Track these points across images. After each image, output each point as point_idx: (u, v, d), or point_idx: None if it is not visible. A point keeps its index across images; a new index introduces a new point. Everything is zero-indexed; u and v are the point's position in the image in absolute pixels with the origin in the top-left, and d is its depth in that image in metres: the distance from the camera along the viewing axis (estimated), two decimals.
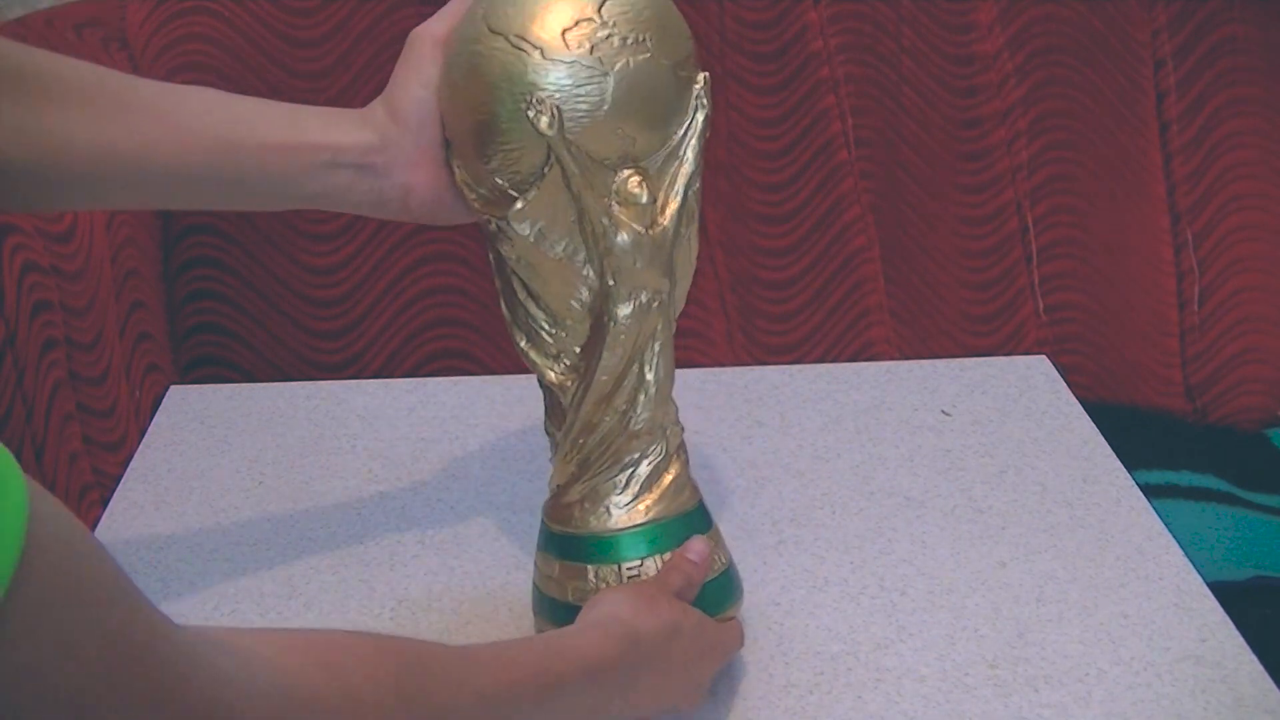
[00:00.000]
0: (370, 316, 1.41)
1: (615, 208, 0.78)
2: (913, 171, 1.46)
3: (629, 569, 0.82)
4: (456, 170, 0.81)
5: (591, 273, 0.79)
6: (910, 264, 1.48)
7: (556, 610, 0.83)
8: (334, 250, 1.38)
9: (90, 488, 1.07)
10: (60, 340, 1.07)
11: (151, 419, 1.14)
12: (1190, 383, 1.51)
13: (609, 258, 0.78)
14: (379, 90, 0.83)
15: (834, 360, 1.47)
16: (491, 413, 1.14)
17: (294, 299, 1.39)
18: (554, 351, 0.82)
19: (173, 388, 1.19)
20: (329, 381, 1.25)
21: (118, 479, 1.06)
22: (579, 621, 0.77)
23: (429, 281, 1.41)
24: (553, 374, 0.82)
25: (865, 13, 1.43)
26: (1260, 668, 0.86)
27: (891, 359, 1.45)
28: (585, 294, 0.80)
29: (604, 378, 0.81)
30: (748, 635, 0.88)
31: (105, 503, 1.03)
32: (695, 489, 0.86)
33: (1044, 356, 1.23)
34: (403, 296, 1.41)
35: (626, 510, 0.83)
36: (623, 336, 0.80)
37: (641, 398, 0.81)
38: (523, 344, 0.83)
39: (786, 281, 1.46)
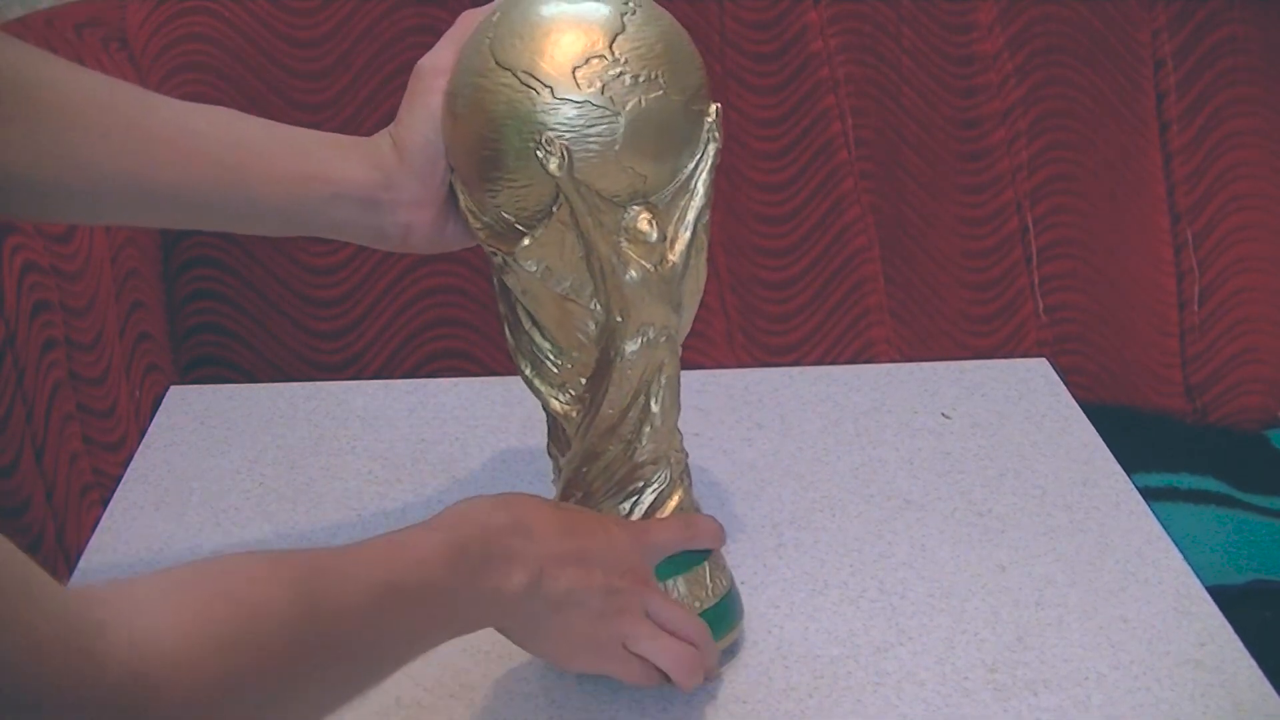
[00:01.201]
0: (370, 316, 1.41)
1: (624, 245, 0.76)
2: (913, 171, 1.46)
3: None
4: (461, 196, 0.80)
5: (598, 307, 0.78)
6: (910, 264, 1.48)
7: None
8: (334, 250, 1.38)
9: (90, 488, 1.07)
10: (60, 340, 1.07)
11: (151, 419, 1.14)
12: (1190, 383, 1.51)
13: (617, 294, 0.77)
14: (378, 90, 0.82)
15: (834, 360, 1.47)
16: (491, 413, 1.14)
17: (294, 299, 1.39)
18: (559, 381, 0.81)
19: (173, 388, 1.19)
20: (329, 382, 1.25)
21: (118, 479, 1.06)
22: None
23: (429, 281, 1.41)
24: (557, 403, 0.82)
25: (865, 13, 1.43)
26: (1259, 672, 0.86)
27: (891, 359, 1.45)
28: (591, 327, 0.79)
29: (609, 410, 0.80)
30: (748, 638, 0.88)
31: (105, 503, 1.03)
32: (698, 513, 0.85)
33: (1044, 359, 1.22)
34: (403, 296, 1.41)
35: None
36: (629, 371, 0.79)
37: (647, 429, 0.81)
38: (527, 372, 0.82)
39: (786, 281, 1.46)
